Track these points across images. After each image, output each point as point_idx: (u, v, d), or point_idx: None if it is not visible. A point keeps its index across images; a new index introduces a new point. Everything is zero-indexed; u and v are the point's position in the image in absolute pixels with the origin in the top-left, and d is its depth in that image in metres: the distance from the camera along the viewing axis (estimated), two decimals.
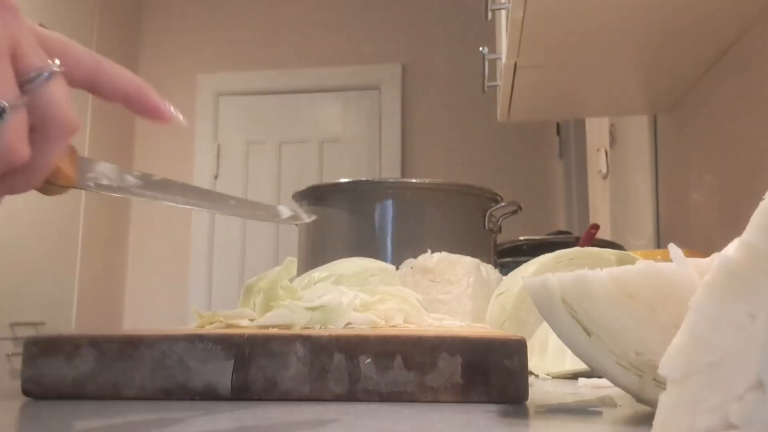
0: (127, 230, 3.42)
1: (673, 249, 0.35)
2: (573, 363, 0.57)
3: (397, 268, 0.83)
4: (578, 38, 1.16)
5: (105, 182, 0.41)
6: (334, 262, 0.75)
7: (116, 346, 0.41)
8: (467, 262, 0.87)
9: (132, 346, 0.41)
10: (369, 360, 0.40)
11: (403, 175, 3.45)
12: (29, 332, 2.63)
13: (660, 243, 1.67)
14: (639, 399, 0.37)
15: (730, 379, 0.22)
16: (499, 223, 1.21)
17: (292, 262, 0.58)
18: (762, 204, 0.23)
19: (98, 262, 3.15)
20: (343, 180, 1.29)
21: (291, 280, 0.57)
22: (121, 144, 3.48)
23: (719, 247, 0.31)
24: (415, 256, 0.89)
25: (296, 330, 0.47)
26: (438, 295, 0.85)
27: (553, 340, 0.60)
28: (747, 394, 0.21)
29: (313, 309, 0.52)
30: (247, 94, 3.68)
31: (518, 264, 0.80)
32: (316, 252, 1.15)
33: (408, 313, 0.59)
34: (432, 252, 0.89)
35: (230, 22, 3.71)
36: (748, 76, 1.11)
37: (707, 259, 0.36)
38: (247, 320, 0.53)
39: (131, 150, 3.56)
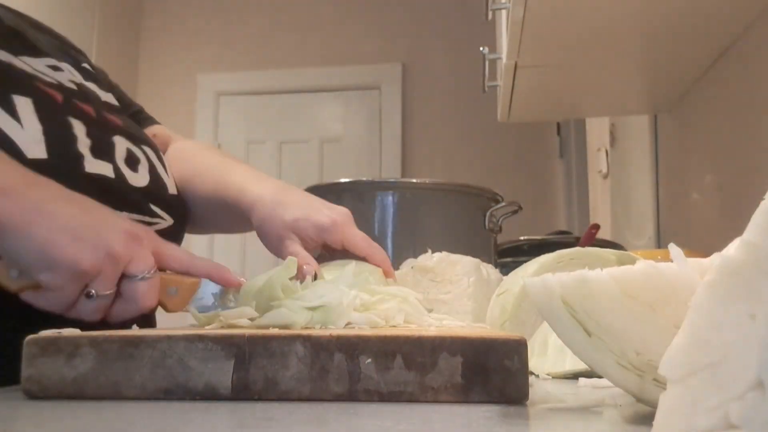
0: None
1: (674, 249, 0.35)
2: (573, 363, 0.57)
3: (398, 268, 0.83)
4: (579, 38, 1.16)
5: (208, 305, 0.60)
6: (334, 263, 0.75)
7: (116, 346, 0.41)
8: (467, 262, 0.87)
9: (132, 346, 0.41)
10: (369, 360, 0.40)
11: (403, 175, 3.45)
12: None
13: (660, 243, 1.67)
14: (639, 399, 0.37)
15: (731, 378, 0.22)
16: (499, 222, 1.21)
17: (292, 262, 0.58)
18: (762, 204, 0.23)
19: None
20: (343, 180, 1.29)
21: (291, 279, 0.57)
22: None
23: (720, 247, 0.31)
24: (415, 256, 0.89)
25: (296, 330, 0.47)
26: (438, 295, 0.85)
27: (554, 340, 0.60)
28: (747, 393, 0.21)
29: (313, 309, 0.52)
30: (248, 94, 3.69)
31: (518, 264, 0.80)
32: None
33: (408, 313, 0.59)
34: (432, 252, 0.89)
35: (230, 22, 3.71)
36: (748, 76, 1.11)
37: (708, 259, 0.35)
38: (247, 320, 0.53)
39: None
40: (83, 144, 0.68)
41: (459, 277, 0.86)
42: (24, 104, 0.64)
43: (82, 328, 0.45)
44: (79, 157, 0.67)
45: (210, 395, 0.41)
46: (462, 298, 0.85)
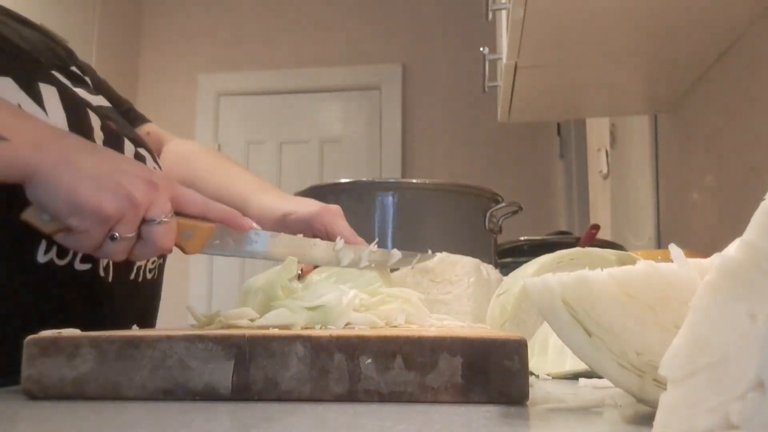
0: None
1: (674, 249, 0.34)
2: (573, 363, 0.57)
3: (397, 269, 0.84)
4: (579, 38, 1.16)
5: (222, 247, 0.64)
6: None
7: (117, 346, 0.41)
8: (468, 262, 0.87)
9: (132, 346, 0.41)
10: (369, 360, 0.40)
11: (403, 175, 3.45)
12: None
13: (660, 243, 1.67)
14: (639, 399, 0.37)
15: (731, 379, 0.22)
16: (499, 223, 1.21)
17: (292, 262, 0.58)
18: (763, 204, 0.23)
19: None
20: (343, 180, 1.29)
21: (291, 280, 0.57)
22: None
23: (720, 247, 0.31)
24: None
25: (297, 330, 0.47)
26: (438, 296, 0.85)
27: (554, 340, 0.60)
28: (747, 394, 0.21)
29: (312, 309, 0.52)
30: (248, 94, 3.69)
31: (519, 264, 0.80)
32: None
33: (410, 313, 0.59)
34: (432, 252, 0.89)
35: (231, 22, 3.71)
36: (748, 76, 1.11)
37: (708, 260, 0.35)
38: (247, 320, 0.53)
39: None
40: (98, 137, 0.71)
41: (459, 278, 0.86)
42: (50, 93, 0.67)
43: (82, 329, 0.45)
44: None
45: (210, 395, 0.41)
46: (462, 299, 0.84)
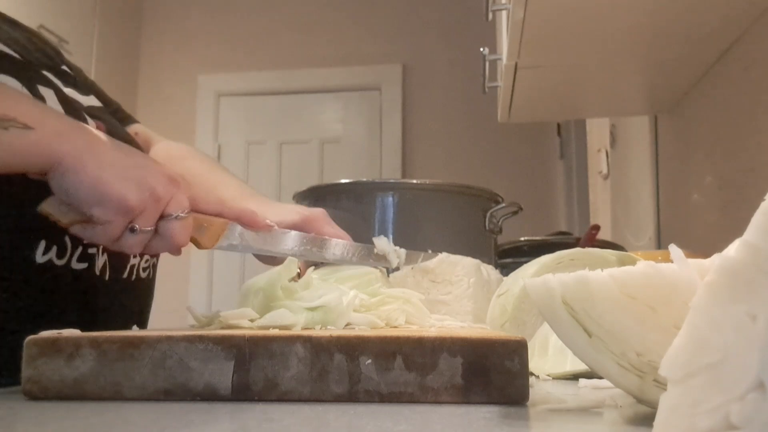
0: None
1: (674, 250, 0.34)
2: (573, 364, 0.57)
3: (398, 269, 0.84)
4: (579, 39, 1.16)
5: (235, 243, 0.66)
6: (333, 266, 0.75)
7: (117, 346, 0.41)
8: (468, 262, 0.87)
9: (132, 346, 0.41)
10: (369, 360, 0.40)
11: (403, 176, 3.45)
12: None
13: (661, 244, 1.67)
14: (640, 400, 0.37)
15: (731, 379, 0.22)
16: (499, 223, 1.21)
17: (292, 262, 0.58)
18: (763, 204, 0.23)
19: None
20: (343, 180, 1.29)
21: (291, 280, 0.57)
22: None
23: (720, 247, 0.31)
24: None
25: (297, 330, 0.47)
26: (438, 296, 0.85)
27: (554, 340, 0.60)
28: (748, 394, 0.21)
29: (312, 309, 0.52)
30: (248, 95, 3.69)
31: (519, 265, 0.80)
32: None
33: (410, 314, 0.59)
34: (432, 252, 0.89)
35: (231, 22, 3.71)
36: (748, 77, 1.11)
37: (708, 260, 0.35)
38: (247, 321, 0.52)
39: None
40: None
41: (459, 278, 0.86)
42: (50, 96, 0.67)
43: (82, 329, 0.45)
44: None
45: (210, 396, 0.41)
46: (462, 299, 0.84)
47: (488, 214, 1.17)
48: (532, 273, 0.72)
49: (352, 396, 0.40)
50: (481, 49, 1.47)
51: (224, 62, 3.68)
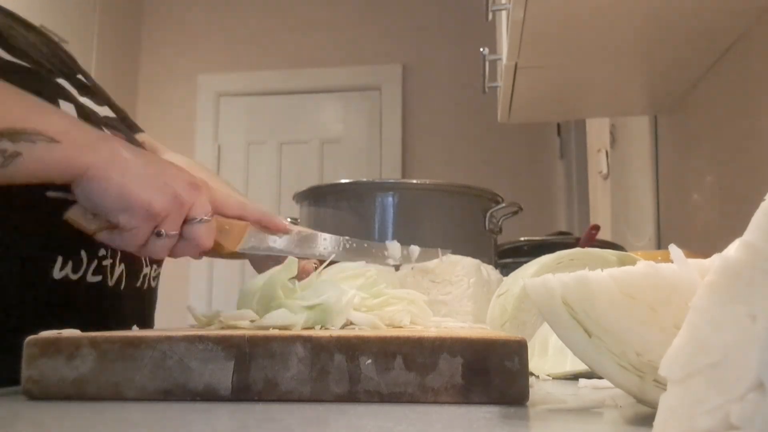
0: None
1: (674, 250, 0.34)
2: (573, 364, 0.57)
3: (397, 269, 0.84)
4: (579, 39, 1.16)
5: (259, 246, 0.67)
6: (336, 266, 0.75)
7: (117, 346, 0.41)
8: (468, 262, 0.87)
9: (132, 346, 0.41)
10: (369, 361, 0.40)
11: (403, 176, 3.45)
12: None
13: (661, 244, 1.67)
14: (640, 400, 0.37)
15: (731, 379, 0.22)
16: (499, 223, 1.21)
17: (292, 262, 0.58)
18: (763, 204, 0.23)
19: None
20: (343, 180, 1.29)
21: (291, 280, 0.57)
22: None
23: (720, 247, 0.31)
24: None
25: (297, 330, 0.47)
26: (438, 296, 0.85)
27: (554, 340, 0.60)
28: (748, 394, 0.21)
29: (311, 308, 0.52)
30: (248, 95, 3.69)
31: (519, 265, 0.80)
32: None
33: (414, 314, 0.59)
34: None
35: (231, 22, 3.71)
36: (748, 77, 1.11)
37: (708, 260, 0.35)
38: (247, 321, 0.52)
39: None
40: None
41: (459, 278, 0.86)
42: (70, 111, 0.69)
43: (82, 329, 0.45)
44: None
45: (210, 396, 0.41)
46: (462, 299, 0.84)
47: (488, 214, 1.17)
48: (532, 273, 0.72)
49: (352, 396, 0.40)
50: (481, 49, 1.47)
51: (224, 62, 3.68)
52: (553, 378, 0.59)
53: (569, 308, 0.36)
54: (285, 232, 0.70)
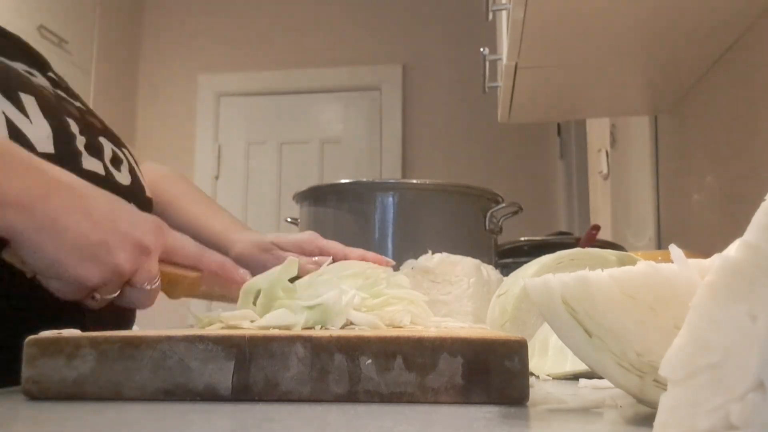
0: None
1: (674, 250, 0.34)
2: (574, 364, 0.57)
3: (398, 269, 0.84)
4: (579, 39, 1.16)
5: (211, 294, 0.67)
6: (336, 264, 0.75)
7: (117, 346, 0.41)
8: (468, 262, 0.87)
9: (133, 346, 0.41)
10: (369, 361, 0.40)
11: (403, 176, 3.45)
12: None
13: (661, 244, 1.67)
14: (640, 400, 0.37)
15: (731, 379, 0.22)
16: (499, 223, 1.21)
17: (292, 262, 0.58)
18: (763, 204, 0.23)
19: None
20: (343, 180, 1.29)
21: (291, 280, 0.57)
22: None
23: (720, 247, 0.31)
24: (415, 257, 0.89)
25: (297, 330, 0.47)
26: (438, 296, 0.85)
27: (554, 340, 0.60)
28: (748, 394, 0.21)
29: (311, 308, 0.52)
30: (248, 95, 3.69)
31: (519, 265, 0.80)
32: None
33: (415, 314, 0.59)
34: (432, 252, 0.89)
35: (231, 22, 3.71)
36: (748, 76, 1.11)
37: (708, 260, 0.35)
38: (247, 321, 0.52)
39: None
40: (80, 142, 0.70)
41: (459, 278, 0.86)
42: (30, 102, 0.66)
43: (83, 329, 0.45)
44: (78, 154, 0.69)
45: (210, 396, 0.41)
46: (462, 299, 0.85)
47: (488, 214, 1.17)
48: (532, 273, 0.72)
49: (352, 396, 0.40)
50: (481, 49, 1.47)
51: (224, 62, 3.68)
52: (554, 378, 0.59)
53: (569, 308, 0.36)
54: (240, 284, 0.65)
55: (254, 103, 3.67)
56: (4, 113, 0.62)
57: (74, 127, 0.71)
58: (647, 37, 1.16)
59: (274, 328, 0.49)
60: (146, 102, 3.70)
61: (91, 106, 0.84)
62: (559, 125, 3.05)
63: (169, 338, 0.41)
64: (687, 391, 0.23)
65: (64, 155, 0.66)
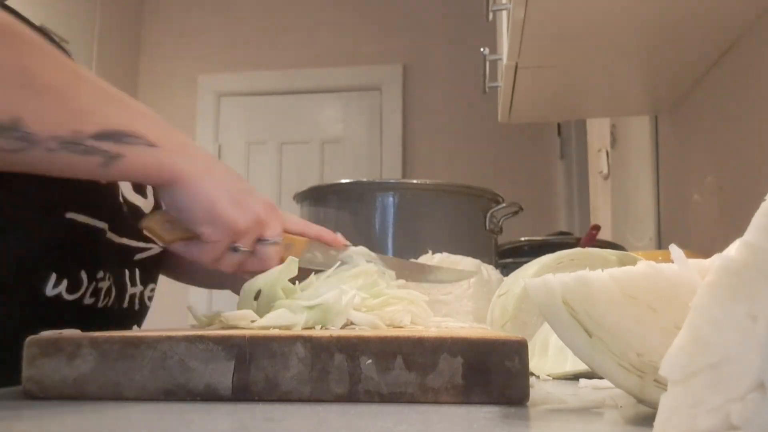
0: None
1: (675, 250, 0.34)
2: (574, 364, 0.57)
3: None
4: (579, 39, 1.16)
5: (314, 259, 0.69)
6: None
7: (117, 346, 0.41)
8: (468, 262, 0.87)
9: (133, 346, 0.41)
10: (370, 360, 0.40)
11: (404, 176, 3.45)
12: None
13: (661, 244, 1.67)
14: (640, 400, 0.37)
15: (731, 379, 0.22)
16: (500, 223, 1.21)
17: (292, 262, 0.58)
18: (763, 205, 0.23)
19: None
20: (344, 181, 1.29)
21: (291, 280, 0.58)
22: None
23: (720, 248, 0.31)
24: (416, 257, 0.89)
25: (297, 330, 0.47)
26: (439, 296, 0.85)
27: (554, 340, 0.60)
28: (748, 394, 0.21)
29: (311, 308, 0.52)
30: (248, 95, 3.68)
31: (519, 265, 0.80)
32: None
33: (416, 315, 0.59)
34: (433, 253, 0.89)
35: (231, 22, 3.71)
36: (748, 76, 1.11)
37: (708, 260, 0.35)
38: (248, 321, 0.52)
39: None
40: None
41: None
42: None
43: (82, 329, 0.45)
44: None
45: (210, 396, 0.41)
46: (462, 299, 0.85)
47: (489, 214, 1.17)
48: (532, 273, 0.72)
49: (353, 396, 0.40)
50: (482, 49, 1.47)
51: (224, 62, 3.68)
52: (554, 378, 0.59)
53: (569, 308, 0.36)
54: (342, 248, 0.71)
55: (254, 103, 3.67)
56: None
57: None
58: (647, 37, 1.16)
59: (275, 328, 0.49)
60: (146, 102, 3.66)
61: None
62: (559, 125, 3.05)
63: (169, 338, 0.41)
64: (687, 391, 0.23)
65: None
